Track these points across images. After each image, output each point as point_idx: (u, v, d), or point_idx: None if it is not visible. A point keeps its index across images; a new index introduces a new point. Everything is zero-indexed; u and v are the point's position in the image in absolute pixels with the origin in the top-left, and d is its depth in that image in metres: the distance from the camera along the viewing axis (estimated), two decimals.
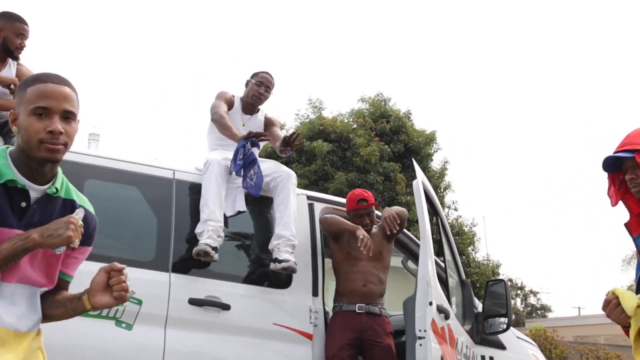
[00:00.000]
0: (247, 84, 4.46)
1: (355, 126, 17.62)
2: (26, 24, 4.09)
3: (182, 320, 3.33)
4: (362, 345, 3.94)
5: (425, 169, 17.59)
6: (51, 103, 1.89)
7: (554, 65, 64.91)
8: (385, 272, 4.16)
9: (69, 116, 1.92)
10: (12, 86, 3.92)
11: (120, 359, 3.18)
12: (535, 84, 62.69)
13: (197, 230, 3.62)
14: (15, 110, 1.95)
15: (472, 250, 18.30)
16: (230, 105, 4.33)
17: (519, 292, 39.91)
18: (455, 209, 18.57)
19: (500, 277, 24.03)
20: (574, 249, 58.61)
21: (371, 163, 16.22)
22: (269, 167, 4.02)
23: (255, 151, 3.99)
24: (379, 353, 3.91)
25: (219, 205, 3.71)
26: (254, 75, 4.45)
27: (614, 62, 64.00)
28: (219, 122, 4.13)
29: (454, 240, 14.67)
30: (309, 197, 4.15)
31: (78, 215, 1.92)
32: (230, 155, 3.90)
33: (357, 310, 3.97)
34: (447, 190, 18.19)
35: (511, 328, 4.58)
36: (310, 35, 63.21)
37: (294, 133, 4.11)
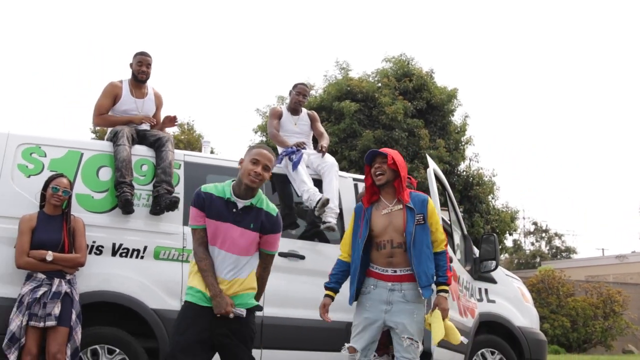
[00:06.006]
0: (290, 94, 6.08)
1: (380, 85, 18.02)
2: (144, 55, 5.31)
3: (275, 267, 4.14)
4: None
5: (447, 124, 18.22)
6: (260, 158, 3.62)
7: (574, 22, 64.10)
8: None
9: (266, 168, 3.64)
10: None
11: None
12: (554, 39, 62.18)
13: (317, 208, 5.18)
14: (243, 158, 3.66)
15: (492, 198, 18.68)
16: (280, 116, 5.93)
17: (543, 234, 39.66)
18: (477, 161, 18.92)
19: (519, 221, 26.32)
20: (602, 190, 59.30)
21: (396, 120, 16.71)
22: (319, 157, 5.58)
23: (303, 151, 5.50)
24: None
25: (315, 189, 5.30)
26: (294, 87, 6.04)
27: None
28: (273, 140, 5.85)
29: (476, 190, 16.77)
30: (354, 179, 5.69)
31: (237, 312, 3.65)
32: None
33: None
34: (468, 144, 18.65)
35: (501, 267, 6.14)
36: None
37: (322, 147, 5.63)
